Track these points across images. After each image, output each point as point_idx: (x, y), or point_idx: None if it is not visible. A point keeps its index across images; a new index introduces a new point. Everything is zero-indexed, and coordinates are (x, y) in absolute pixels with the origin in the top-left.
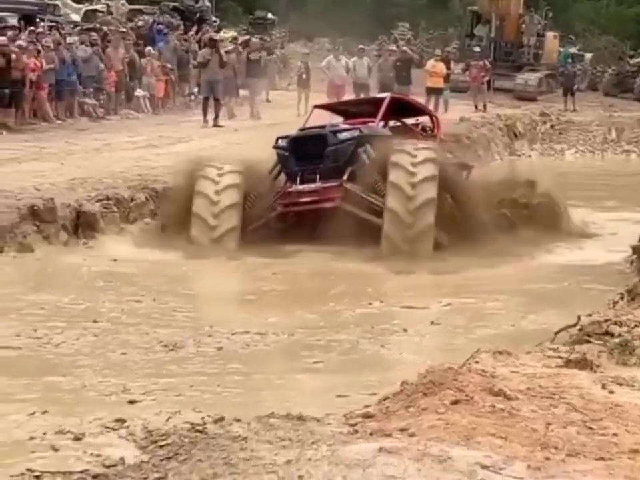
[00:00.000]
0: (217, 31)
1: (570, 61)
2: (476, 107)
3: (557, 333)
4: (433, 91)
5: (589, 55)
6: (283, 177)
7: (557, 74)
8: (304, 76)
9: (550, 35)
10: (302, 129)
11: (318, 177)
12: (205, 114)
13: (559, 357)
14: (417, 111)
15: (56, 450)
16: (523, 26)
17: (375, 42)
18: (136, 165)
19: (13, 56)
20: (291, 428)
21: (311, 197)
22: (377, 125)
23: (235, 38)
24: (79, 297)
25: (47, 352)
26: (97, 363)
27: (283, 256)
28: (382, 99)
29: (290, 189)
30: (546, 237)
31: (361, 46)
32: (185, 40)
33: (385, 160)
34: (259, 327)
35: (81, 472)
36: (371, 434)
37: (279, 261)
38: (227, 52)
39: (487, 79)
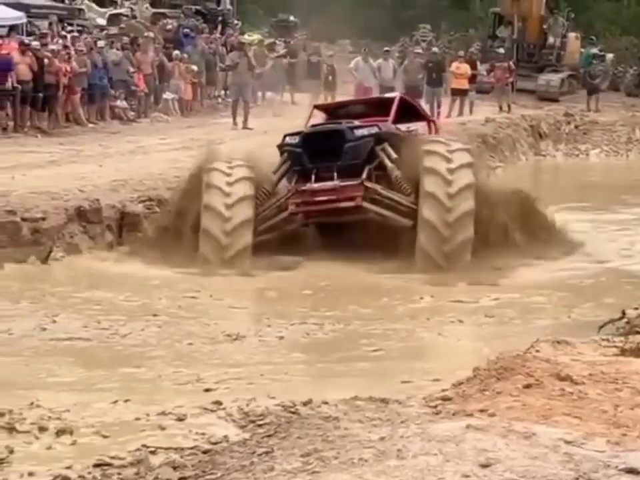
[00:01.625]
0: (236, 34)
1: (593, 61)
2: (500, 108)
3: (601, 327)
4: (458, 93)
5: (610, 56)
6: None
7: (580, 75)
8: (330, 77)
9: (572, 35)
10: (313, 126)
11: (336, 174)
12: (234, 116)
13: (614, 347)
14: (418, 115)
15: (163, 429)
16: (545, 27)
17: (397, 44)
18: (172, 167)
19: (46, 60)
20: (377, 409)
21: (329, 195)
22: (390, 124)
23: (261, 40)
24: (133, 295)
25: (116, 343)
26: (166, 354)
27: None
28: (389, 99)
29: (303, 188)
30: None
31: (387, 48)
32: (211, 42)
33: (410, 159)
34: (315, 318)
35: (191, 448)
36: (453, 414)
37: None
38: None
39: (511, 80)
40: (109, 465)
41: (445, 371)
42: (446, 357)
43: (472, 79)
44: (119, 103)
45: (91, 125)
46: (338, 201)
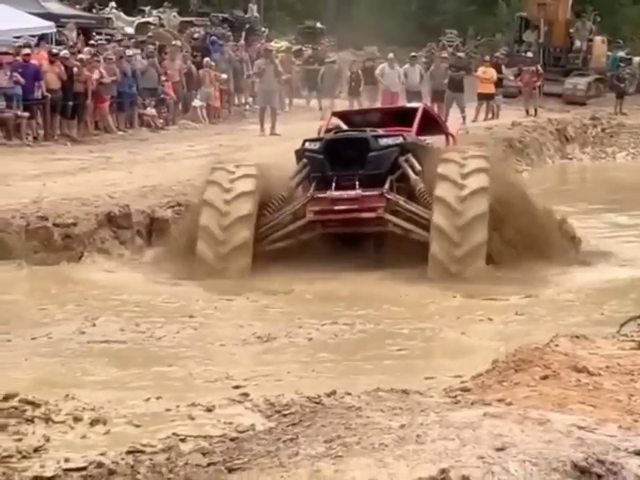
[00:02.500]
0: (263, 41)
1: (620, 64)
2: (527, 112)
3: (623, 324)
4: (484, 97)
5: (637, 59)
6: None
7: (607, 78)
8: (354, 84)
9: (598, 39)
10: (336, 132)
11: (357, 183)
12: (261, 123)
13: (632, 341)
14: (437, 128)
15: (192, 419)
16: (572, 31)
17: (423, 49)
18: (201, 173)
19: (75, 69)
20: (398, 399)
21: (349, 205)
22: (413, 134)
23: (288, 47)
24: (171, 296)
25: (151, 344)
26: (198, 354)
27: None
28: (411, 110)
29: (322, 195)
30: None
31: (413, 53)
32: (238, 50)
33: (431, 172)
34: (347, 318)
35: (219, 436)
36: (472, 403)
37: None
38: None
39: (538, 84)
40: (141, 451)
41: (462, 369)
42: (465, 355)
43: (498, 83)
44: (147, 110)
45: (120, 133)
46: (359, 211)
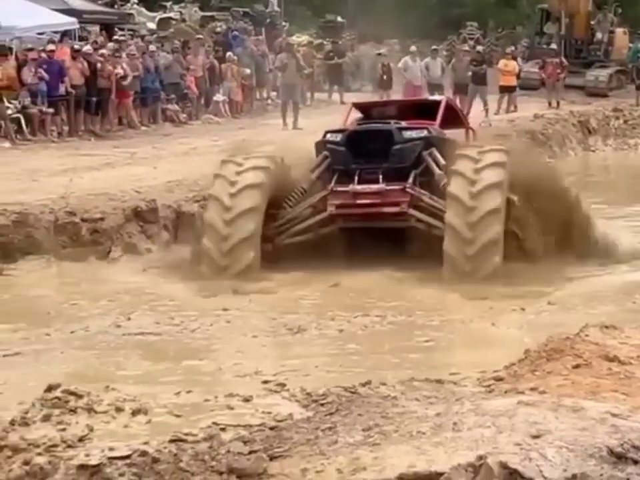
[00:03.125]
0: (284, 36)
1: None
2: (549, 104)
3: None
4: (506, 90)
5: None
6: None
7: (629, 70)
8: (385, 77)
9: (619, 31)
10: (359, 124)
11: (381, 177)
12: (284, 117)
13: None
14: (458, 122)
15: (231, 409)
16: (593, 23)
17: (444, 42)
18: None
19: (99, 65)
20: (432, 389)
21: (372, 199)
22: (437, 127)
23: (310, 41)
24: (206, 289)
25: (185, 337)
26: (230, 347)
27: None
28: (432, 102)
29: (344, 189)
30: None
31: (434, 46)
32: (259, 44)
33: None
34: (379, 310)
35: (259, 425)
36: (505, 392)
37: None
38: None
39: (562, 76)
40: (183, 440)
41: (493, 359)
42: (496, 346)
43: (517, 75)
44: (170, 105)
45: (143, 128)
46: (382, 205)
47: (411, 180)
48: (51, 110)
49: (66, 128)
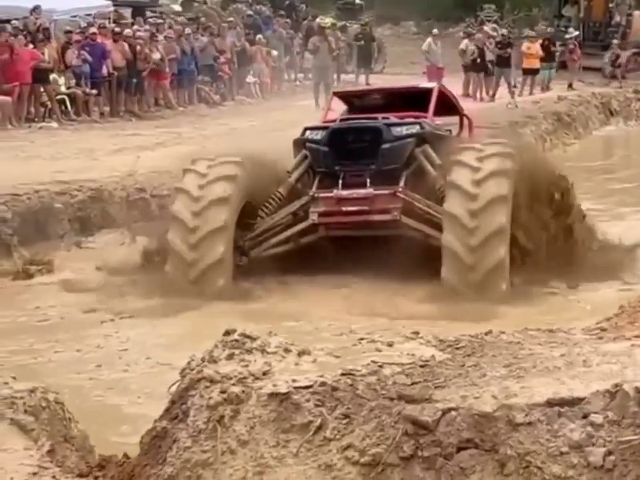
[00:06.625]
0: (310, 18)
1: None
2: (569, 85)
3: None
4: (529, 72)
5: None
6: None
7: None
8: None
9: (637, 13)
10: (342, 120)
11: (368, 180)
12: (316, 98)
13: None
14: (451, 108)
15: (380, 351)
16: (611, 5)
17: (461, 24)
18: (273, 147)
19: (138, 47)
20: (548, 337)
21: (359, 205)
22: (430, 120)
23: (334, 24)
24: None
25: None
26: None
27: None
28: (423, 90)
29: (327, 194)
30: None
31: (435, 30)
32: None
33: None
34: None
35: (410, 363)
36: (614, 339)
37: None
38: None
39: (575, 58)
40: (352, 374)
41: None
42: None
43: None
44: (205, 87)
45: (180, 109)
46: (370, 213)
47: (402, 183)
48: (94, 91)
49: (107, 109)
